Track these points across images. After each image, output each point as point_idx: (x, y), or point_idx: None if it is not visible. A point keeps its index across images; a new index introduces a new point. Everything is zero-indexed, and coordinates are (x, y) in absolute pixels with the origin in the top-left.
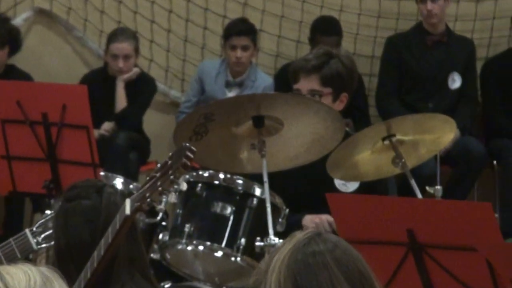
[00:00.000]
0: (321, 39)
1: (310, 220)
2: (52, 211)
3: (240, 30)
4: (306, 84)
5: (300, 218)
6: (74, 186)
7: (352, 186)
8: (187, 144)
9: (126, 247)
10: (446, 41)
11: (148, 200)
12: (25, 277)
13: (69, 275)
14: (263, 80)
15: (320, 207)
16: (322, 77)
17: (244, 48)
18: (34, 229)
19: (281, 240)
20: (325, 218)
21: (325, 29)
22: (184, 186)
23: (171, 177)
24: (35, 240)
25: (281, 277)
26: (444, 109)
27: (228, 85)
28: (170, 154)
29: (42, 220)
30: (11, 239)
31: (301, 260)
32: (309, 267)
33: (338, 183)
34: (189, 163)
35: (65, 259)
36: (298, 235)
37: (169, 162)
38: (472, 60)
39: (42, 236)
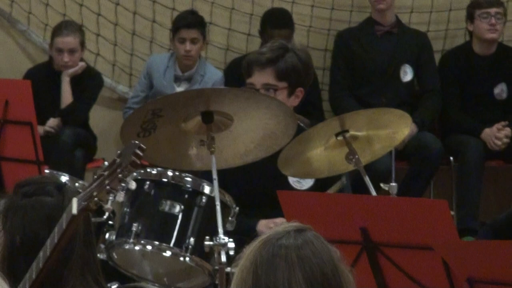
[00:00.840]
0: (272, 32)
1: (265, 226)
2: None
3: (189, 23)
4: (261, 78)
5: (254, 223)
6: (29, 182)
7: (307, 183)
8: (136, 142)
9: (80, 250)
10: (396, 32)
11: (96, 199)
12: None
13: (17, 274)
14: (213, 75)
15: (273, 206)
16: (277, 71)
17: (193, 41)
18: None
19: (231, 240)
20: (280, 221)
21: (276, 22)
22: (133, 185)
23: (120, 175)
24: None
25: (244, 265)
26: (397, 103)
27: (177, 79)
28: (119, 152)
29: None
30: None
31: (268, 252)
32: (272, 260)
33: (292, 180)
34: (138, 161)
35: (16, 256)
36: (282, 226)
37: (118, 160)
38: (426, 53)
39: None
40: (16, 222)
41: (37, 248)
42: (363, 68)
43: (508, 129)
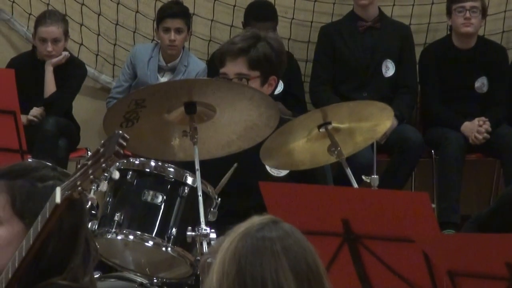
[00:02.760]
0: (255, 25)
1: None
2: None
3: (174, 12)
4: (233, 67)
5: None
6: (14, 168)
7: (284, 171)
8: (120, 132)
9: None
10: (379, 27)
11: (79, 188)
12: None
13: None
14: (196, 65)
15: (252, 194)
16: (249, 60)
17: (178, 31)
18: None
19: (213, 230)
20: None
21: (259, 14)
22: (116, 175)
23: (103, 165)
24: None
25: (226, 257)
26: (379, 97)
27: (161, 70)
28: (102, 141)
29: None
30: None
31: (249, 244)
32: (256, 252)
33: (273, 171)
34: (122, 151)
35: None
36: (255, 219)
37: (101, 149)
38: (408, 48)
39: None
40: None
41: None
42: (345, 63)
43: (488, 123)
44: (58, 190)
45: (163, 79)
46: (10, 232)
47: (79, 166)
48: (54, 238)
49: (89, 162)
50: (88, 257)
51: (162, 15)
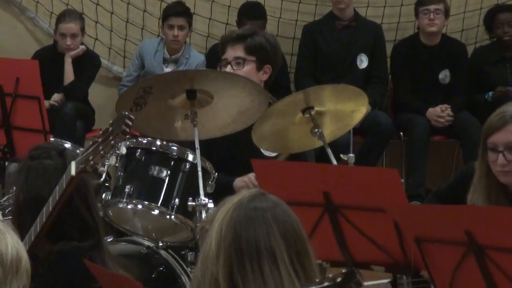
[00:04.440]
0: (247, 23)
1: (240, 181)
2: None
3: (177, 11)
4: (232, 52)
5: (229, 179)
6: (38, 147)
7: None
8: (126, 113)
9: (78, 209)
10: (354, 25)
11: (91, 162)
12: None
13: (24, 226)
14: (196, 58)
15: (247, 171)
16: (246, 46)
17: (181, 28)
18: (1, 200)
19: (210, 201)
20: (252, 175)
21: (251, 13)
22: (123, 150)
23: (112, 142)
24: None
25: (223, 225)
26: (355, 86)
27: (165, 61)
28: (111, 121)
29: (9, 195)
30: None
31: (243, 213)
32: (250, 220)
33: (264, 150)
34: (128, 130)
35: (22, 212)
36: (244, 192)
37: (110, 128)
38: (379, 43)
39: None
40: (21, 182)
41: (40, 205)
42: (325, 57)
43: (449, 109)
44: (73, 164)
45: (167, 69)
46: None
47: (91, 143)
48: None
49: (100, 140)
50: (94, 224)
51: (166, 14)
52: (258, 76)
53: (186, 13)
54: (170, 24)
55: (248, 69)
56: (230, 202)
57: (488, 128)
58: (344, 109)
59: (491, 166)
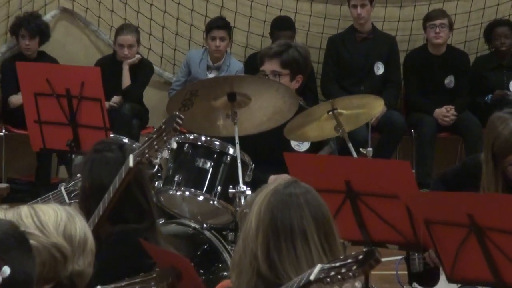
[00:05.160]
0: (278, 33)
1: (273, 179)
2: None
3: (219, 25)
4: (269, 66)
5: (266, 177)
6: (102, 142)
7: (304, 146)
8: (177, 113)
9: (135, 196)
10: (372, 37)
11: (147, 155)
12: (54, 214)
13: (89, 210)
14: (235, 65)
15: (279, 163)
16: (281, 61)
17: (222, 39)
18: (68, 186)
19: (248, 188)
20: (285, 176)
21: (281, 25)
22: (174, 145)
23: (164, 138)
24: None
25: (261, 208)
26: (372, 90)
27: (209, 68)
28: (164, 120)
29: (74, 182)
30: (49, 194)
31: (279, 198)
32: (285, 204)
33: (293, 144)
34: (178, 128)
35: (87, 198)
36: (280, 180)
37: (163, 126)
38: (393, 53)
39: (73, 194)
40: (86, 172)
41: (103, 192)
42: (347, 65)
43: (453, 110)
44: (131, 157)
45: (211, 75)
46: None
47: (146, 138)
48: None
49: (154, 136)
50: (148, 209)
51: (210, 27)
52: (291, 86)
53: (227, 26)
54: (213, 36)
55: (283, 81)
56: (268, 188)
57: (503, 149)
58: (362, 111)
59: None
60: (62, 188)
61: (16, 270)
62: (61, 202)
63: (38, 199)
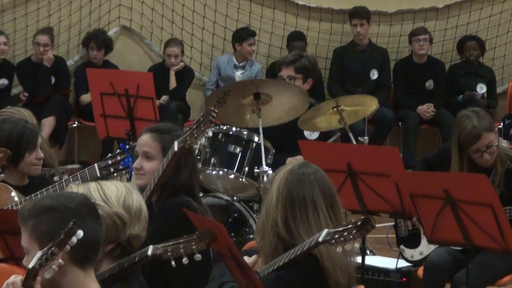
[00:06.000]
0: (293, 44)
1: (290, 161)
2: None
3: (252, 34)
4: (286, 72)
5: (284, 159)
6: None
7: (315, 135)
8: (212, 108)
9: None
10: (368, 49)
11: (188, 141)
12: (116, 188)
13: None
14: (256, 66)
15: (294, 148)
16: (295, 68)
17: (254, 44)
18: (100, 163)
19: (269, 169)
20: (300, 157)
21: (295, 37)
22: (210, 134)
23: (202, 128)
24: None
25: (280, 184)
26: (368, 92)
27: (235, 67)
28: (202, 113)
29: (105, 159)
30: (85, 169)
31: (295, 176)
32: (299, 181)
33: (306, 133)
34: (213, 120)
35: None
36: (294, 162)
37: (201, 119)
38: (385, 62)
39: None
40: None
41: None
42: (348, 71)
43: (432, 107)
44: (176, 143)
45: (237, 72)
46: (157, 165)
47: (188, 128)
48: (178, 172)
49: (194, 126)
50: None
51: (247, 36)
52: (303, 87)
53: (255, 35)
54: (250, 43)
55: (297, 84)
56: (285, 168)
57: (466, 140)
58: (360, 108)
59: (477, 161)
60: (96, 165)
61: (88, 233)
62: (93, 176)
63: (77, 173)
